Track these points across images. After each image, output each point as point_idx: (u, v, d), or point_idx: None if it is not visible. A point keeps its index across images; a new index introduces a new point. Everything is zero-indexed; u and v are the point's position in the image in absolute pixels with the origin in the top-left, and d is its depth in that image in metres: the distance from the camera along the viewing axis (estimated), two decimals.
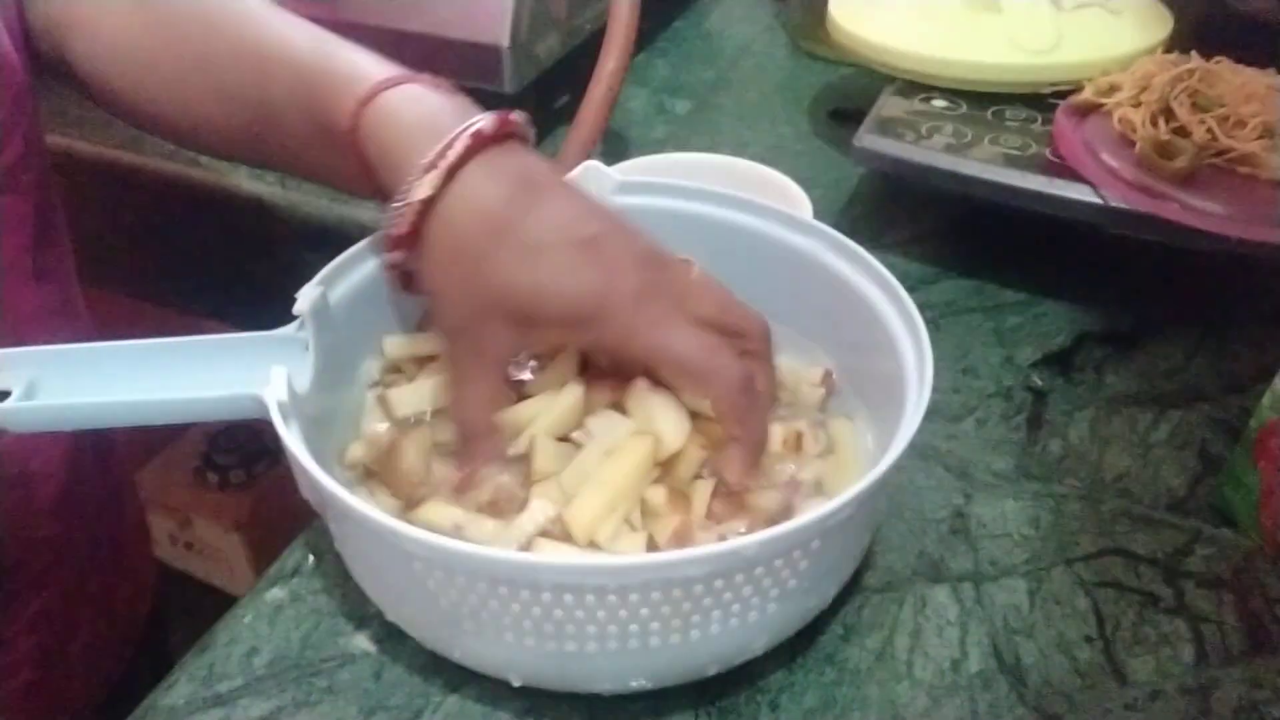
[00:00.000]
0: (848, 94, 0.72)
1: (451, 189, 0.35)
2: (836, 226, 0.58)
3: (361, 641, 0.36)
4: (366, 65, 0.39)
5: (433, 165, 0.34)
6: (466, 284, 0.35)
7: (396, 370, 0.41)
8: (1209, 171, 0.48)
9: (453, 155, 0.34)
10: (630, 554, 0.33)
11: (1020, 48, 0.56)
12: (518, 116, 0.37)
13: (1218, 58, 0.53)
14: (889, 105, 0.56)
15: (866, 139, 0.53)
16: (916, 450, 0.42)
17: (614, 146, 0.67)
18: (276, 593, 0.38)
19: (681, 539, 0.33)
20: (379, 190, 0.38)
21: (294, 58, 0.40)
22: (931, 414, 0.45)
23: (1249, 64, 0.53)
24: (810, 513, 0.30)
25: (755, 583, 0.30)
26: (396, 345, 0.41)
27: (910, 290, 0.54)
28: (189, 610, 1.28)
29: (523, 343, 0.37)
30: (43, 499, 0.46)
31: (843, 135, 0.67)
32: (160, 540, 1.30)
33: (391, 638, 0.36)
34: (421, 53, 0.62)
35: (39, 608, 0.48)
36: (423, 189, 0.34)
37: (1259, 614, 0.37)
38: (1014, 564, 0.39)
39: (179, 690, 0.35)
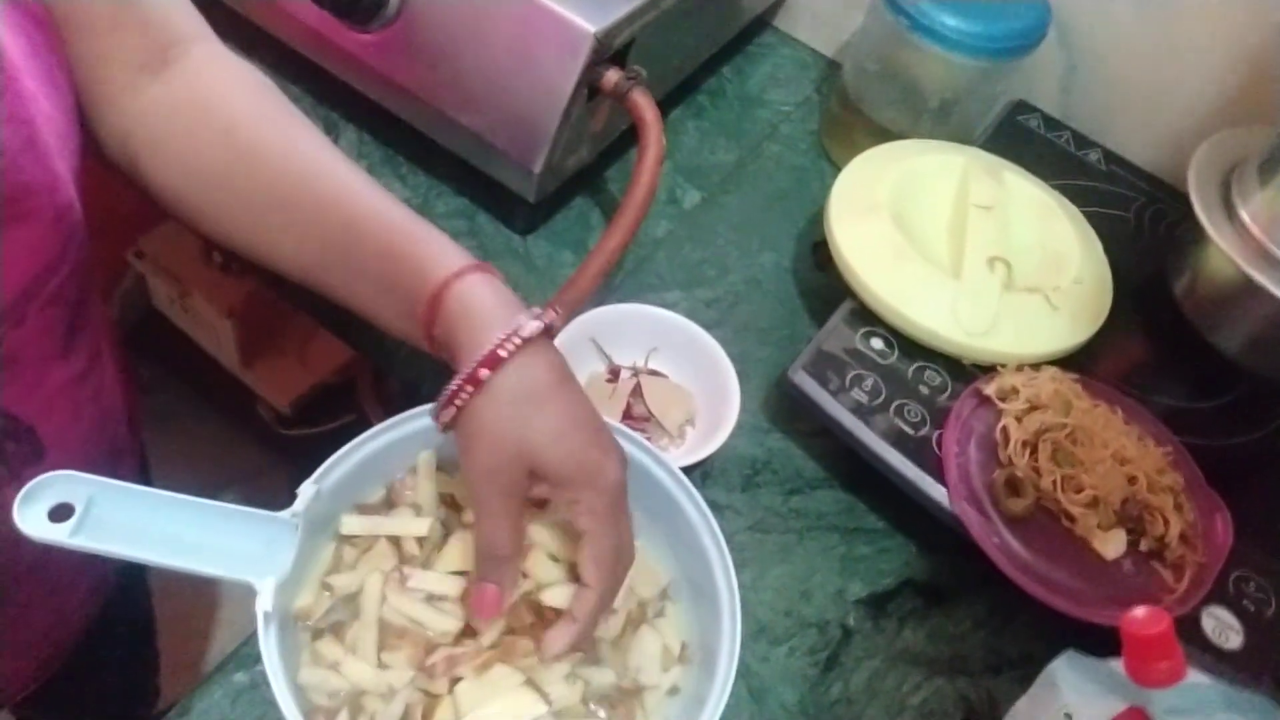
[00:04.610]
0: None
1: (517, 359, 0.45)
2: (766, 398, 0.70)
3: None
4: (446, 251, 0.49)
5: (507, 340, 0.45)
6: (508, 435, 0.45)
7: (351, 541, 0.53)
8: (1041, 515, 0.59)
9: (521, 336, 0.45)
10: None
11: (958, 322, 0.64)
12: (553, 317, 0.48)
13: (1099, 402, 0.62)
14: (832, 336, 0.65)
15: (799, 375, 0.63)
16: (737, 667, 0.55)
17: None
18: (241, 677, 0.53)
19: None
20: (431, 347, 0.49)
21: (385, 226, 0.50)
22: (759, 633, 0.60)
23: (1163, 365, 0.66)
24: None
25: None
26: (351, 524, 0.53)
27: (794, 493, 0.66)
28: (179, 364, 1.43)
29: (529, 489, 0.48)
30: None
31: (816, 281, 0.76)
32: (158, 294, 1.43)
33: None
34: (463, 141, 0.69)
35: None
36: (506, 346, 0.45)
37: None
38: None
39: None
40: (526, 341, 0.45)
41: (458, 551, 0.52)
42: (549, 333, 0.47)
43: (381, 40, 0.67)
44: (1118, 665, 0.42)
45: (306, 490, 0.50)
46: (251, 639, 0.54)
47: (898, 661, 0.61)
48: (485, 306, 0.47)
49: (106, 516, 0.48)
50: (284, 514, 0.50)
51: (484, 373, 0.45)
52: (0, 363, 0.50)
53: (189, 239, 1.37)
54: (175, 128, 0.52)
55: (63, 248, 0.50)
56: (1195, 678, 0.41)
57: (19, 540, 0.55)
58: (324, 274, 0.52)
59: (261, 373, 1.46)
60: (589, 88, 0.64)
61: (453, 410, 0.47)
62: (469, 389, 0.46)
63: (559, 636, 0.48)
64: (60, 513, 0.47)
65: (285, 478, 1.51)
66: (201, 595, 1.42)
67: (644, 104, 0.63)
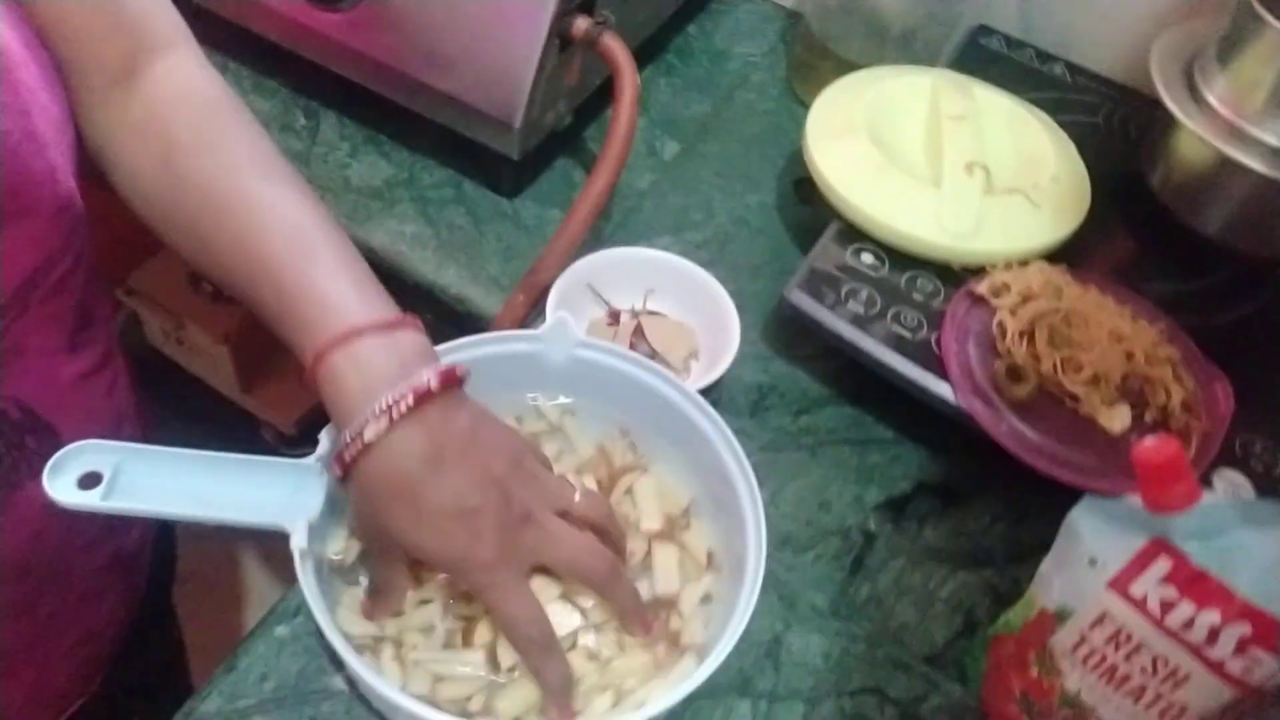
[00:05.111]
0: None
1: (373, 452, 0.45)
2: (765, 328, 0.71)
3: (338, 682, 0.52)
4: (333, 311, 0.46)
5: (358, 435, 0.44)
6: (373, 525, 0.47)
7: None
8: (1045, 400, 0.60)
9: (364, 440, 0.44)
10: None
11: (943, 227, 0.66)
12: (446, 375, 0.46)
13: (1089, 286, 0.64)
14: (824, 254, 0.67)
15: (795, 294, 0.64)
16: (764, 577, 0.56)
17: None
18: (282, 630, 0.53)
19: None
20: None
21: (277, 278, 0.48)
22: (783, 544, 0.61)
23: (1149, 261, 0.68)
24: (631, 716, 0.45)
25: None
26: None
27: (802, 413, 0.68)
28: (179, 398, 1.44)
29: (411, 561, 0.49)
30: None
31: (801, 215, 0.78)
32: (152, 331, 1.43)
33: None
34: (443, 107, 0.70)
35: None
36: (350, 450, 0.45)
37: None
38: (801, 689, 0.56)
39: (211, 702, 0.51)
40: (368, 446, 0.44)
41: None
42: (446, 390, 0.46)
43: (353, 17, 0.69)
44: (1135, 501, 0.44)
45: (326, 436, 0.51)
46: (288, 594, 0.55)
47: (922, 559, 0.62)
48: (340, 399, 0.46)
49: (135, 479, 0.49)
50: (308, 459, 0.51)
51: (337, 471, 0.46)
52: (4, 353, 0.50)
53: (176, 271, 1.38)
54: (126, 147, 0.53)
55: (65, 240, 0.51)
56: (1210, 498, 0.42)
57: (39, 537, 0.56)
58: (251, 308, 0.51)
59: (262, 396, 1.46)
60: (560, 38, 0.66)
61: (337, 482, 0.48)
62: (339, 479, 0.47)
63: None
64: (88, 482, 0.48)
65: None
66: (227, 618, 1.42)
67: (615, 47, 0.65)
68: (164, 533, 0.78)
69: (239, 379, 1.41)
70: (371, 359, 0.45)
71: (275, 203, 0.50)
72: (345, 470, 0.46)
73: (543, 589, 0.49)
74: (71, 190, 0.51)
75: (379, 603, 0.51)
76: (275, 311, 0.48)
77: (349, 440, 0.45)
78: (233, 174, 0.51)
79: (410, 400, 0.44)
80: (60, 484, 0.47)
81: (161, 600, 0.84)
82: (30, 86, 0.48)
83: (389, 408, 0.44)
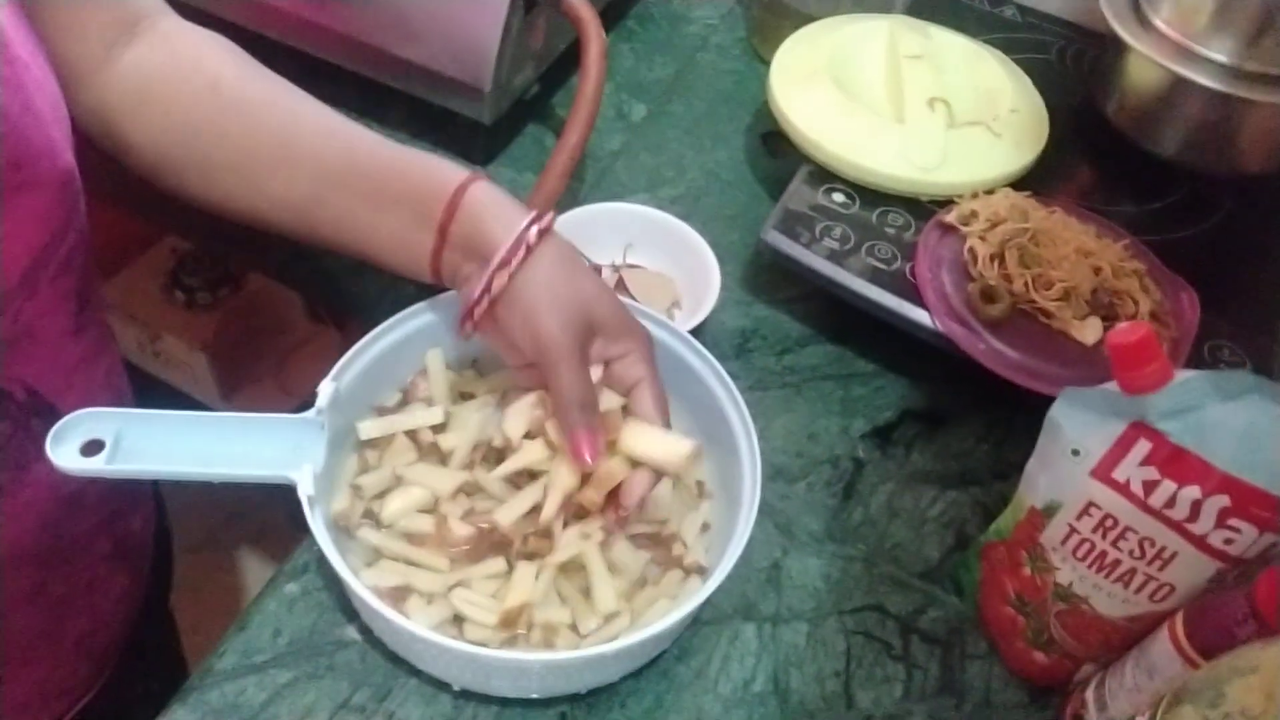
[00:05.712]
0: None
1: (543, 246, 0.51)
2: (743, 275, 0.73)
3: (351, 632, 0.53)
4: (448, 163, 0.54)
5: (527, 230, 0.50)
6: (566, 292, 0.51)
7: (371, 445, 0.55)
8: (1020, 318, 0.62)
9: (541, 224, 0.51)
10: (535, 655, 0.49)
11: (910, 162, 0.68)
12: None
13: (1054, 208, 0.66)
14: (796, 195, 0.68)
15: (771, 234, 0.66)
16: (760, 506, 0.57)
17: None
18: (292, 587, 0.54)
19: None
20: (438, 254, 0.53)
21: (385, 149, 0.55)
22: (776, 475, 0.62)
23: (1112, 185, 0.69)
24: (640, 632, 0.47)
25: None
26: (368, 428, 0.55)
27: (786, 353, 0.69)
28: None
29: (590, 344, 0.52)
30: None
31: (771, 167, 0.79)
32: (128, 345, 1.42)
33: (372, 631, 0.53)
34: (412, 77, 0.71)
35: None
36: (531, 237, 0.50)
37: (953, 666, 0.56)
38: (803, 610, 0.57)
39: (227, 659, 0.51)
40: (546, 229, 0.51)
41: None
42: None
43: None
44: (1112, 389, 0.45)
45: (326, 388, 0.52)
46: (295, 553, 0.55)
47: (911, 482, 0.63)
48: (504, 200, 0.52)
49: (137, 443, 0.50)
50: (308, 414, 0.52)
51: (532, 233, 0.50)
52: (12, 337, 0.51)
53: (150, 282, 1.37)
54: (156, 88, 0.55)
55: (68, 215, 0.52)
56: (1183, 375, 0.44)
57: (46, 520, 0.56)
58: (314, 208, 0.54)
59: (242, 403, 1.46)
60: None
61: (505, 276, 0.50)
62: (520, 254, 0.50)
63: (641, 481, 0.51)
64: (91, 450, 0.49)
65: (285, 505, 1.52)
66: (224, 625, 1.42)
67: (578, 3, 0.66)
68: (163, 525, 0.78)
69: (218, 386, 1.41)
70: (494, 196, 0.53)
71: (338, 114, 0.56)
72: (537, 238, 0.50)
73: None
74: (71, 165, 0.51)
75: (590, 420, 0.50)
76: (377, 184, 0.54)
77: (534, 217, 0.51)
78: (289, 93, 0.56)
79: (552, 216, 0.52)
80: (63, 451, 0.48)
81: (162, 595, 0.84)
82: (25, 62, 0.48)
83: (538, 218, 0.51)
